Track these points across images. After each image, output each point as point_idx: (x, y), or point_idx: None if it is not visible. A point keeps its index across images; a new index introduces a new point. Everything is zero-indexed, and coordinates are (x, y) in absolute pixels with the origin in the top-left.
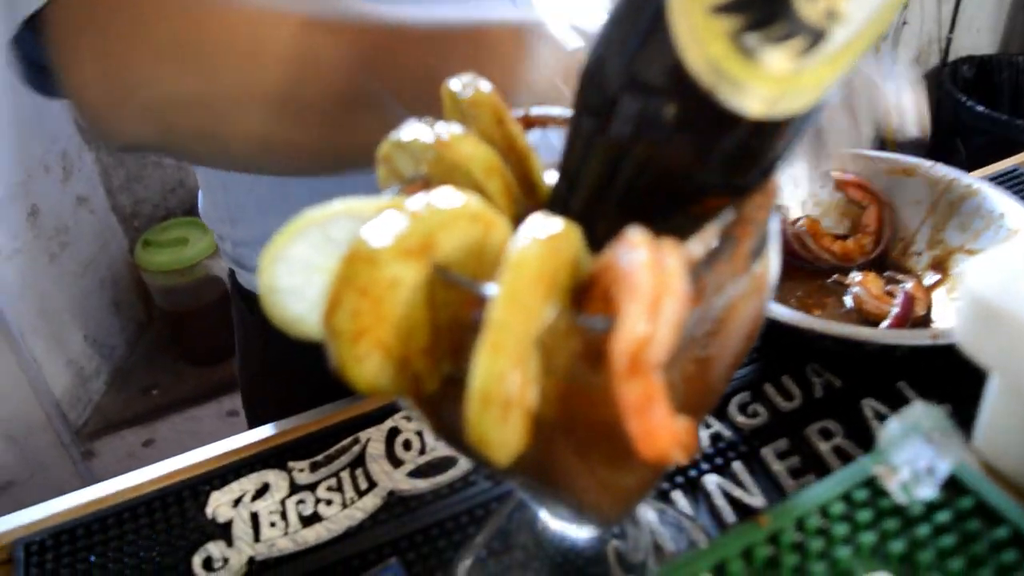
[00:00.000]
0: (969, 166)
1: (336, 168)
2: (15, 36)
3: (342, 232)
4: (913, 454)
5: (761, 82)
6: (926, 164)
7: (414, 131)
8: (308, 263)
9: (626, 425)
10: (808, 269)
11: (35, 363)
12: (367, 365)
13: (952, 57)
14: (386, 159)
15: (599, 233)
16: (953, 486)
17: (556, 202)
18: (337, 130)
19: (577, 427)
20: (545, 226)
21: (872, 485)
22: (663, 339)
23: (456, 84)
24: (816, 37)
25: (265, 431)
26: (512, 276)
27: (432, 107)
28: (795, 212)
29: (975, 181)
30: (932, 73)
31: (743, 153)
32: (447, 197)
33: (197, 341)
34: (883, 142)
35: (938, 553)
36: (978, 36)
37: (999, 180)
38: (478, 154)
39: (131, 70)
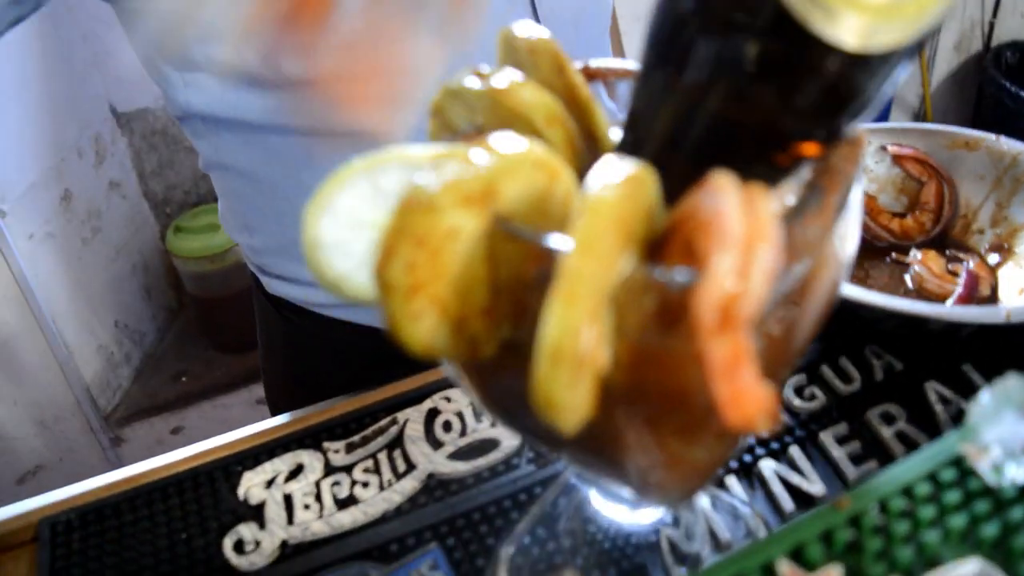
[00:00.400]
0: None
1: None
2: None
3: (393, 182)
4: (1006, 431)
5: (859, 9)
6: (991, 137)
7: (469, 80)
8: (356, 216)
9: (711, 388)
10: (865, 248)
11: (66, 348)
12: (422, 323)
13: (995, 43)
14: (438, 111)
15: (672, 190)
16: None
17: (625, 150)
18: None
19: (649, 394)
20: (621, 169)
21: (960, 465)
22: (756, 293)
23: (512, 31)
24: None
25: (300, 413)
26: (588, 222)
27: None
28: None
29: None
30: (974, 59)
31: (833, 94)
32: (510, 142)
33: (227, 328)
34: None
35: None
36: (1022, 21)
37: None
38: (539, 101)
39: None
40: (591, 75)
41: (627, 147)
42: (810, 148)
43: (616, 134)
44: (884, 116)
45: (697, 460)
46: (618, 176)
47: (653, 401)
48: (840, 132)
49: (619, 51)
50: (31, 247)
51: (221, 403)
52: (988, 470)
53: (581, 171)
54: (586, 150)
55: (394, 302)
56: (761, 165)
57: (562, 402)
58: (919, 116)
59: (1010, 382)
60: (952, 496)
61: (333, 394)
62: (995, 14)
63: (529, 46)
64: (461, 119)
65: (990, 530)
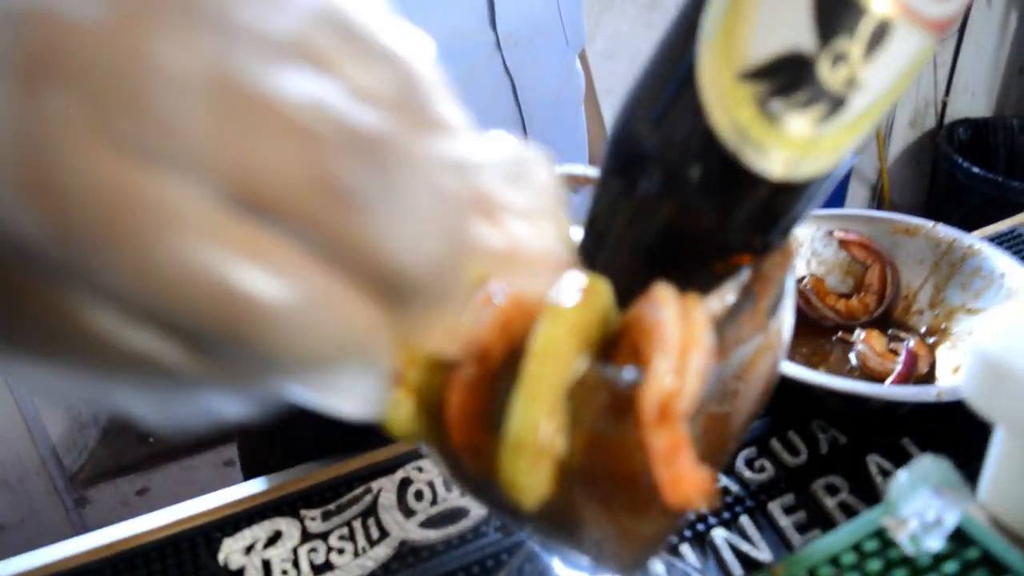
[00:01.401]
0: (965, 227)
1: None
2: None
3: None
4: (921, 506)
5: (783, 146)
6: (928, 224)
7: None
8: None
9: (653, 473)
10: (813, 327)
11: (33, 407)
12: (401, 412)
13: (948, 119)
14: None
15: (623, 290)
16: (960, 538)
17: (582, 259)
18: None
19: (601, 476)
20: (578, 281)
21: (882, 536)
22: (690, 391)
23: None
24: (837, 104)
25: (276, 479)
26: (547, 329)
27: None
28: (800, 271)
29: (976, 241)
30: (928, 135)
31: (763, 213)
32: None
33: None
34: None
35: None
36: (973, 99)
37: (999, 240)
38: None
39: None
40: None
41: (586, 247)
42: (744, 258)
43: (578, 234)
44: (843, 190)
45: (646, 533)
46: (576, 288)
47: (605, 482)
48: (772, 244)
49: (597, 116)
50: None
51: (188, 464)
52: (906, 541)
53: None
54: None
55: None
56: (702, 271)
57: (523, 484)
58: (877, 190)
59: (925, 462)
60: (874, 564)
61: (308, 456)
62: (947, 93)
63: None
64: None
65: None
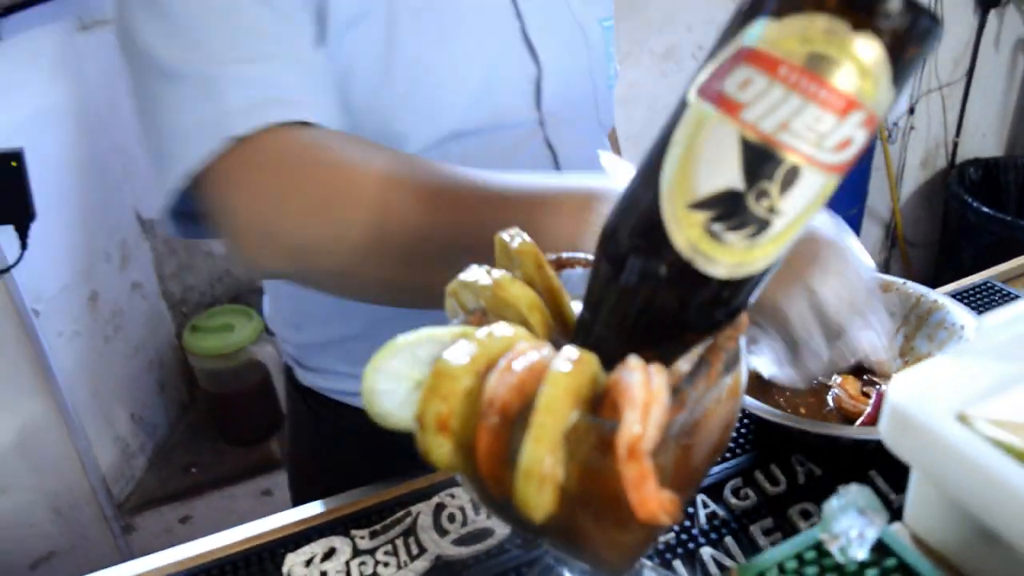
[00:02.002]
0: (977, 264)
1: (414, 304)
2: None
3: (425, 352)
4: (849, 524)
5: (725, 256)
6: (899, 282)
7: (475, 274)
8: (399, 374)
9: (627, 495)
10: None
11: (86, 439)
12: (443, 450)
13: (959, 160)
14: (453, 293)
15: (613, 352)
16: (881, 549)
17: (581, 328)
18: (415, 272)
19: (592, 497)
20: (572, 355)
21: (819, 548)
22: (651, 436)
23: (506, 235)
24: (762, 226)
25: (330, 504)
26: (548, 391)
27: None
28: None
29: (940, 297)
30: (940, 175)
31: (714, 302)
32: (503, 329)
33: (236, 422)
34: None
35: None
36: (984, 140)
37: (970, 292)
38: (523, 295)
39: (277, 223)
40: (561, 265)
41: (583, 320)
42: (701, 336)
43: (578, 306)
44: (856, 229)
45: (629, 542)
46: (570, 359)
47: (595, 502)
48: (723, 322)
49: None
50: (60, 344)
51: (228, 494)
52: (837, 552)
53: (554, 338)
54: (556, 323)
55: (428, 436)
56: (671, 343)
57: (533, 504)
58: (890, 229)
59: (852, 490)
60: (811, 570)
61: (355, 480)
62: (958, 134)
63: (517, 250)
64: (470, 301)
65: None
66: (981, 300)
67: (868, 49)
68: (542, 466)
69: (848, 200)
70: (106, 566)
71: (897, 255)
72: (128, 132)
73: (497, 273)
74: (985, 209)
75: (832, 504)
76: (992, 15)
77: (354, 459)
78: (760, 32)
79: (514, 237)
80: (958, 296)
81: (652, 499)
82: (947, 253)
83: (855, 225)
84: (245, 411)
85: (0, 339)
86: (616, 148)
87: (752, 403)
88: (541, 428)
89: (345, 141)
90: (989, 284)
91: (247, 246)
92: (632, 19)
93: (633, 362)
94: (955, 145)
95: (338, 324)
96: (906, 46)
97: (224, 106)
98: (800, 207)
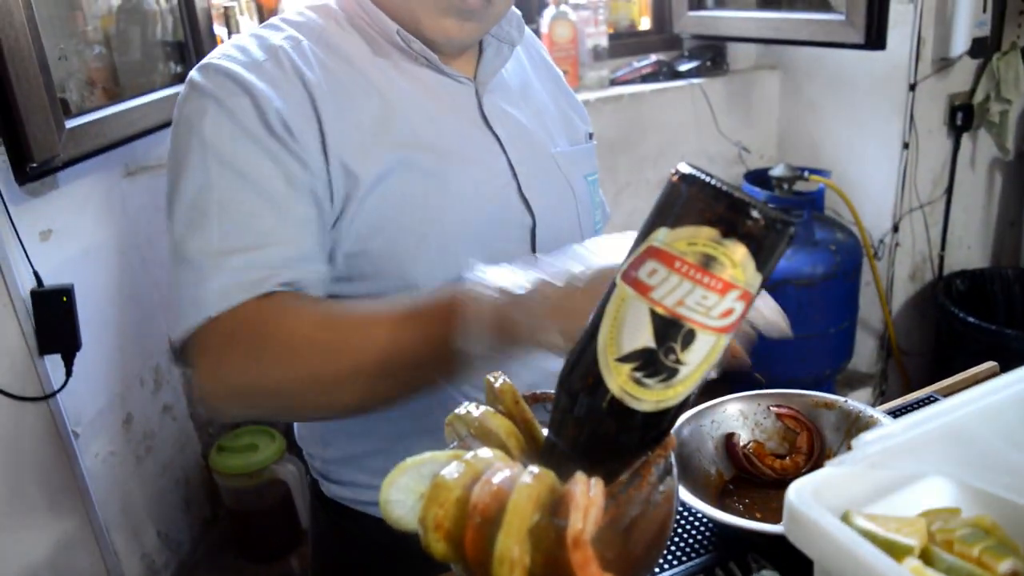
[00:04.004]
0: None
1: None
2: None
3: (428, 470)
4: None
5: (647, 395)
6: (841, 400)
7: (466, 408)
8: (408, 487)
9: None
10: (755, 482)
11: (114, 555)
12: (440, 545)
13: (946, 271)
14: (449, 424)
15: (571, 467)
16: None
17: (547, 448)
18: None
19: None
20: (534, 471)
21: None
22: (590, 530)
23: (491, 377)
24: (672, 372)
25: None
26: (515, 498)
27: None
28: (745, 438)
29: (876, 413)
30: (928, 287)
31: (644, 428)
32: (485, 453)
33: (258, 539)
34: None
35: None
36: (969, 252)
37: (914, 406)
38: (503, 425)
39: (232, 379)
40: (535, 399)
41: (549, 441)
42: (636, 454)
43: (545, 430)
44: (851, 341)
45: None
46: (532, 474)
47: None
48: (653, 443)
49: None
50: (95, 465)
51: None
52: None
53: (527, 456)
54: (528, 445)
55: (428, 534)
56: (613, 459)
57: None
58: (884, 339)
59: (765, 575)
60: None
61: None
62: (943, 248)
63: (499, 389)
64: (462, 429)
65: None
66: None
67: (737, 249)
68: (512, 553)
69: (840, 315)
70: None
71: (893, 365)
72: (165, 267)
73: (483, 408)
74: (971, 319)
75: None
76: (965, 138)
77: (372, 564)
78: (662, 236)
79: (497, 379)
80: (904, 409)
81: None
82: (941, 361)
83: (849, 338)
84: (266, 528)
85: (42, 460)
86: None
87: (711, 510)
88: (510, 525)
89: (287, 307)
90: (932, 398)
91: (207, 396)
92: (630, 153)
93: (578, 476)
94: (941, 258)
95: (361, 441)
96: (764, 244)
97: (203, 290)
98: (699, 358)
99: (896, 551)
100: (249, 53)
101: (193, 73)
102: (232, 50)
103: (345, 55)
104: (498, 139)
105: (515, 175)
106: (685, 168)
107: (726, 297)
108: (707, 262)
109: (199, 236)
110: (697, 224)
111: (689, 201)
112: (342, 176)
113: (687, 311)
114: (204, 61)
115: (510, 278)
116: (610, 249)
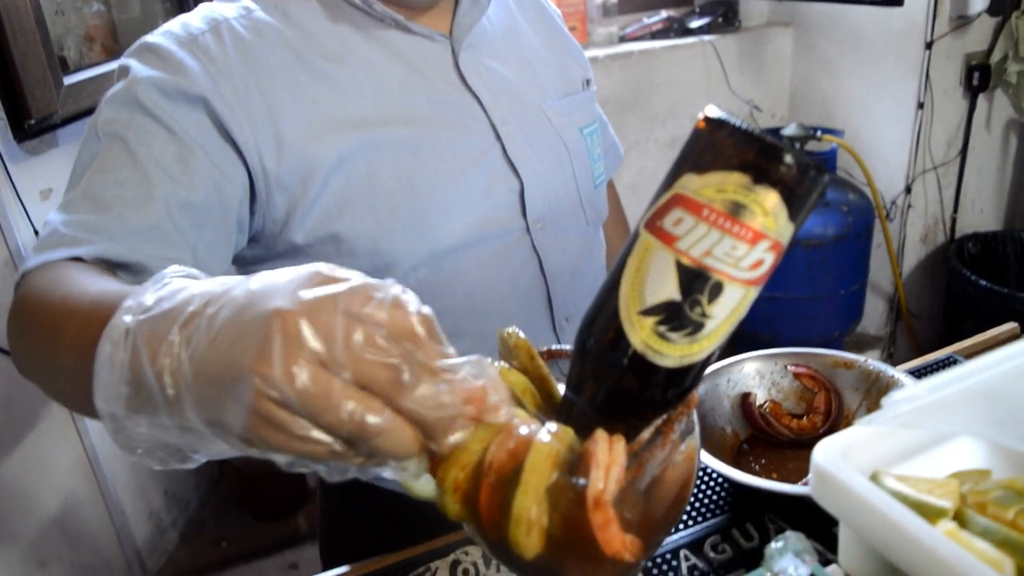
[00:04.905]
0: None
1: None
2: None
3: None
4: (786, 564)
5: (671, 351)
6: (861, 359)
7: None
8: None
9: (597, 537)
10: (772, 442)
11: (122, 514)
12: (456, 507)
13: (958, 234)
14: None
15: (589, 426)
16: None
17: (564, 406)
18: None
19: (572, 540)
20: (552, 429)
21: None
22: (612, 489)
23: (505, 332)
24: (697, 327)
25: (357, 565)
26: (532, 456)
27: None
28: (761, 398)
29: (897, 373)
30: (940, 250)
31: (666, 385)
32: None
33: (265, 498)
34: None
35: None
36: (982, 215)
37: (933, 367)
38: (518, 381)
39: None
40: (551, 355)
41: (566, 400)
42: (658, 412)
43: (562, 388)
44: (860, 304)
45: None
46: (550, 432)
47: (574, 544)
48: (676, 400)
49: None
50: (101, 424)
51: (257, 567)
52: None
53: (543, 415)
54: (544, 402)
55: (445, 496)
56: (634, 418)
57: (523, 545)
58: (894, 301)
59: (789, 536)
60: None
61: (380, 544)
62: (956, 210)
63: (513, 344)
64: None
65: None
66: None
67: (768, 196)
68: (529, 513)
69: (850, 276)
70: None
71: (902, 327)
72: None
73: (498, 363)
74: (983, 282)
75: (773, 547)
76: (981, 99)
77: (380, 525)
78: (688, 183)
79: (511, 334)
80: (923, 370)
81: (616, 539)
82: (951, 324)
83: (858, 300)
84: (273, 487)
85: (48, 421)
86: (616, 233)
87: (729, 470)
88: (527, 484)
89: (60, 277)
90: (952, 359)
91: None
92: (638, 112)
93: (598, 434)
94: (953, 221)
95: None
96: (797, 192)
97: (38, 243)
98: (727, 312)
99: (929, 513)
100: (189, 28)
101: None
102: (174, 25)
103: (300, 25)
104: (478, 99)
105: (499, 137)
106: (714, 112)
107: (756, 247)
108: (736, 210)
109: (75, 182)
110: (727, 170)
111: (718, 146)
112: (296, 160)
113: (714, 262)
114: (141, 39)
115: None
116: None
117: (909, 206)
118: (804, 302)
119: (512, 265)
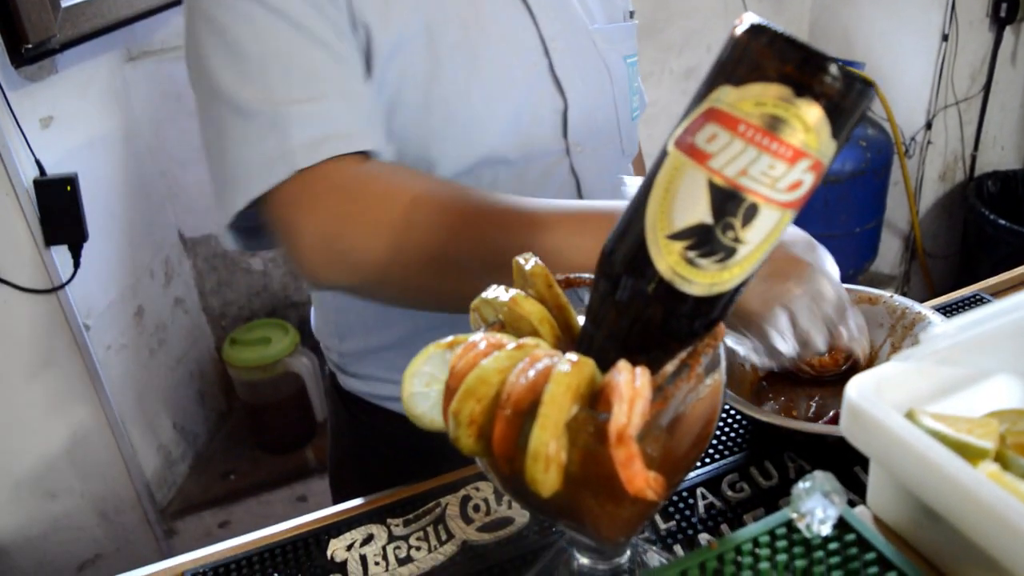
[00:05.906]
0: (994, 276)
1: (442, 309)
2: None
3: (453, 356)
4: (814, 505)
5: (700, 278)
6: (886, 295)
7: (494, 292)
8: (432, 376)
9: (619, 474)
10: (792, 379)
11: (131, 447)
12: (470, 440)
13: (978, 172)
14: (475, 308)
15: (610, 358)
16: (842, 526)
17: (584, 337)
18: (447, 281)
19: (591, 477)
20: (572, 359)
21: (788, 525)
22: (636, 424)
23: (521, 259)
24: (729, 252)
25: (369, 497)
26: (552, 388)
27: (505, 271)
28: None
29: (923, 309)
30: (959, 188)
31: (693, 315)
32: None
33: (273, 431)
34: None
35: (827, 568)
36: (1003, 153)
37: (960, 304)
38: (535, 310)
39: (341, 242)
40: (569, 283)
41: (586, 331)
42: (684, 344)
43: (582, 319)
44: (875, 241)
45: (624, 516)
46: (570, 362)
47: (593, 480)
48: (702, 332)
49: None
50: (108, 356)
51: (265, 500)
52: (804, 528)
53: (563, 346)
54: (563, 333)
55: (459, 428)
56: (658, 350)
57: (540, 482)
58: (909, 240)
59: (817, 475)
60: (781, 543)
61: (390, 477)
62: (976, 147)
63: (530, 271)
64: (490, 315)
65: (801, 563)
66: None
67: (810, 110)
68: (547, 448)
69: (867, 214)
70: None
71: (917, 267)
72: (172, 157)
73: (513, 291)
74: (1002, 222)
75: (800, 487)
76: (1008, 31)
77: (389, 458)
78: (723, 96)
79: (528, 260)
80: (949, 308)
81: (639, 477)
82: (967, 264)
83: (874, 238)
84: (281, 420)
85: (53, 352)
86: (641, 170)
87: (748, 406)
88: (546, 418)
89: (392, 171)
90: (978, 296)
91: (313, 262)
92: (654, 41)
93: (622, 365)
94: (973, 158)
95: (378, 334)
96: (842, 107)
97: (289, 142)
98: (761, 237)
99: (969, 453)
100: None
101: None
102: None
103: None
104: (530, 11)
105: (547, 52)
106: (753, 18)
107: (795, 167)
108: (775, 125)
109: (263, 85)
110: (766, 81)
111: (757, 55)
112: (362, 37)
113: (750, 182)
114: None
115: None
116: None
117: (929, 142)
118: (819, 240)
119: (552, 187)
